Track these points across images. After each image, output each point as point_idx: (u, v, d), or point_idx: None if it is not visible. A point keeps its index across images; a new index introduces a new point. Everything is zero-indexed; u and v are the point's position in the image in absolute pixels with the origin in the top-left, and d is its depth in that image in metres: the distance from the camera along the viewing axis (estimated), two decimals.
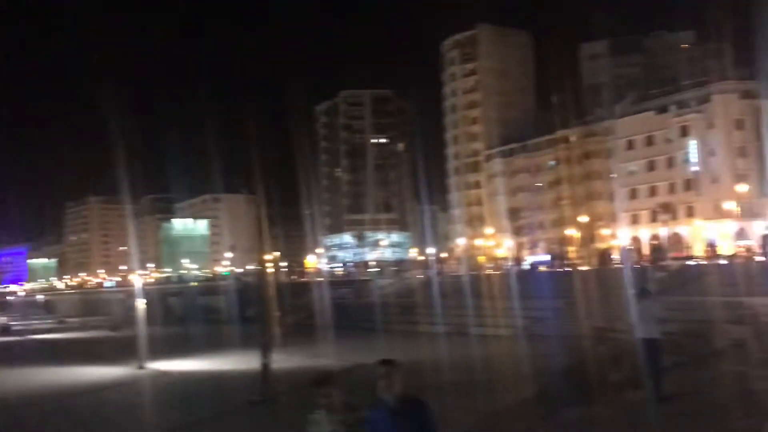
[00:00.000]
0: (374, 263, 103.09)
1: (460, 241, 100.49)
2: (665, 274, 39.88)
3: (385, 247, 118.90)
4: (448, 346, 31.07)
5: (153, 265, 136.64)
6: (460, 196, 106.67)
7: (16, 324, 66.87)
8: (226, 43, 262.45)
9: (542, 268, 65.45)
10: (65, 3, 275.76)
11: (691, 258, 54.63)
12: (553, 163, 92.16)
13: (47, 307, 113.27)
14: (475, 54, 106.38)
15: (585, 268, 57.22)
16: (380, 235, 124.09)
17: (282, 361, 24.94)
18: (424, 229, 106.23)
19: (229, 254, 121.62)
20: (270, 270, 40.85)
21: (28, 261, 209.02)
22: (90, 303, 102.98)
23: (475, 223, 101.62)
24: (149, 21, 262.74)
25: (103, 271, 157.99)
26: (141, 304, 32.17)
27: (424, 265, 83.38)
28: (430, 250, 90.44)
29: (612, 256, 66.85)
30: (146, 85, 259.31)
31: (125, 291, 72.10)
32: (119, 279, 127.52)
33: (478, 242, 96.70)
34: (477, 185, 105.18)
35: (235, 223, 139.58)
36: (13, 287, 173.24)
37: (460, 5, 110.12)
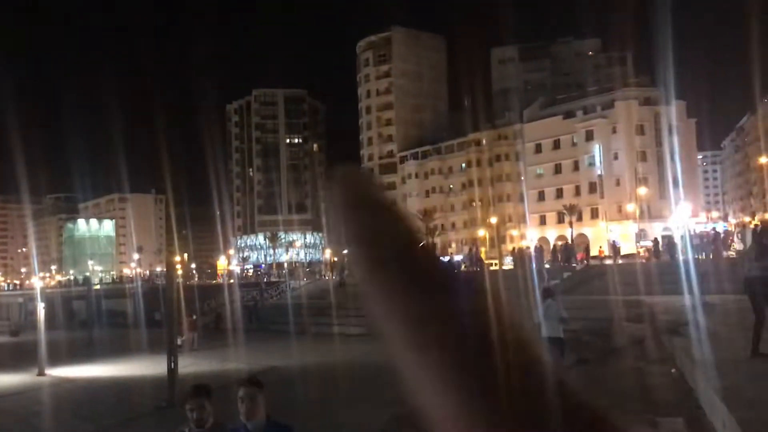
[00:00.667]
0: (287, 264, 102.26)
1: None
2: (570, 274, 41.26)
3: (298, 248, 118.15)
4: (361, 347, 31.14)
5: (55, 268, 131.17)
6: None
7: None
8: (138, 36, 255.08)
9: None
10: None
11: (594, 258, 56.70)
12: (464, 165, 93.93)
13: None
14: (389, 56, 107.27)
15: (500, 267, 58.48)
16: (294, 236, 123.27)
17: (190, 365, 24.45)
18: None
19: (135, 255, 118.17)
20: (178, 272, 39.98)
21: None
22: None
23: None
24: (56, 10, 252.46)
25: (1, 273, 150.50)
26: (41, 307, 30.79)
27: (339, 265, 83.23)
28: (345, 251, 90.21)
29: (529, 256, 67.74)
30: (49, 76, 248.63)
31: (25, 294, 68.86)
32: (18, 282, 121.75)
33: None
34: (392, 186, 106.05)
35: (142, 223, 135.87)
36: None
37: (375, 7, 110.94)
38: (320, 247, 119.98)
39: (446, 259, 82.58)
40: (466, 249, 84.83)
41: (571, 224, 75.17)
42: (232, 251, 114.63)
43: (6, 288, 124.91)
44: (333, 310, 44.44)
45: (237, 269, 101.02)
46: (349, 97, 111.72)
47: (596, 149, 78.01)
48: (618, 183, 76.73)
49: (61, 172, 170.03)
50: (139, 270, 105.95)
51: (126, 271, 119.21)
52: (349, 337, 36.31)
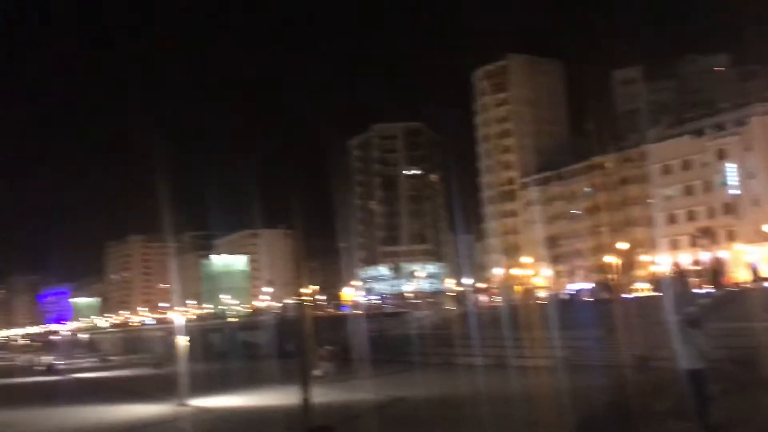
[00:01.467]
0: (411, 295, 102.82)
1: (497, 271, 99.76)
2: (708, 300, 39.07)
3: (421, 278, 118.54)
4: (486, 379, 30.76)
5: (194, 302, 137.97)
6: (495, 225, 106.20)
7: (60, 363, 67.94)
8: (268, 78, 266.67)
9: (587, 297, 63.75)
10: (100, 49, 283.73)
11: (736, 283, 53.43)
12: (588, 190, 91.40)
13: (90, 346, 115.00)
14: (506, 84, 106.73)
15: (638, 294, 56.14)
16: (416, 267, 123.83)
17: (321, 395, 24.95)
18: (459, 259, 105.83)
19: (268, 289, 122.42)
20: (308, 304, 41.09)
21: (72, 300, 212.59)
22: (132, 341, 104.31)
23: (511, 252, 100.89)
24: (190, 60, 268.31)
25: (146, 309, 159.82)
26: (182, 340, 32.45)
27: (461, 295, 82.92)
28: (467, 281, 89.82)
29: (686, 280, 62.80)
30: (183, 123, 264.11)
31: (166, 328, 72.87)
32: (160, 316, 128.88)
33: (515, 271, 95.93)
34: (513, 214, 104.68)
35: (273, 257, 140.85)
36: (57, 327, 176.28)
37: (490, 36, 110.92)
38: (441, 277, 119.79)
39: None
40: (593, 276, 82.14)
41: (705, 247, 71.32)
42: (356, 282, 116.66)
43: (148, 323, 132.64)
44: (457, 341, 44.16)
45: (361, 300, 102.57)
46: (465, 126, 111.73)
47: (730, 168, 73.85)
48: (755, 203, 72.18)
49: (198, 211, 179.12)
50: (270, 303, 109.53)
51: (258, 304, 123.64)
52: (474, 368, 35.94)
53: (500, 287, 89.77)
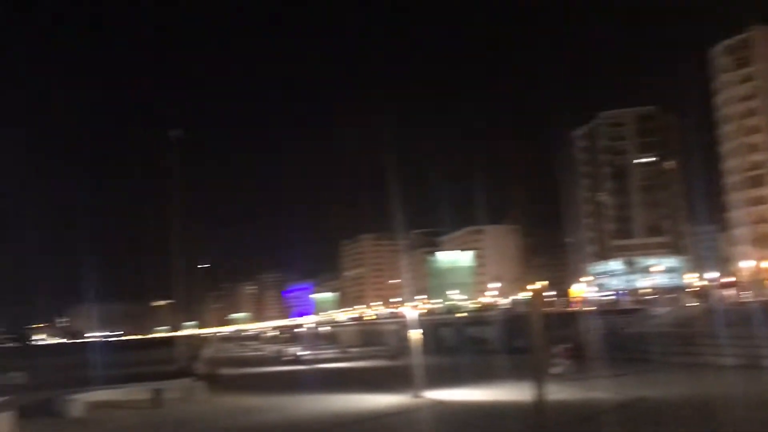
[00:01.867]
0: (647, 290, 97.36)
1: (745, 264, 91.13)
2: None
3: (658, 272, 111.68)
4: (737, 380, 28.27)
5: (422, 297, 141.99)
6: (742, 214, 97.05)
7: (305, 354, 73.19)
8: (485, 73, 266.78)
9: None
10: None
11: None
12: None
13: (331, 338, 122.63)
14: (751, 58, 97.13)
15: None
16: (652, 261, 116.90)
17: (557, 393, 24.41)
18: (701, 252, 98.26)
19: (494, 284, 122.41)
20: (538, 300, 40.47)
21: (313, 295, 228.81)
22: (368, 334, 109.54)
23: (762, 243, 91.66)
24: (422, 63, 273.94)
25: (380, 303, 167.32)
26: (415, 334, 33.39)
27: (704, 291, 76.98)
28: (710, 275, 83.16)
29: None
30: (411, 124, 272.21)
31: (399, 322, 75.60)
32: (393, 310, 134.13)
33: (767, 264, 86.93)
34: (762, 201, 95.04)
35: (499, 253, 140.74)
36: (300, 320, 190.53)
37: (729, 7, 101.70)
38: (681, 271, 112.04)
39: None
40: None
41: None
42: (587, 278, 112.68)
43: (383, 317, 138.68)
44: (702, 339, 41.20)
45: (593, 296, 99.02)
46: (702, 108, 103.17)
47: None
48: None
49: (423, 209, 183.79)
50: (497, 298, 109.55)
51: (485, 300, 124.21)
52: (723, 368, 33.33)
53: (750, 281, 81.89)
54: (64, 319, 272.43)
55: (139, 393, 32.53)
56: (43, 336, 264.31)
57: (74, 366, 63.08)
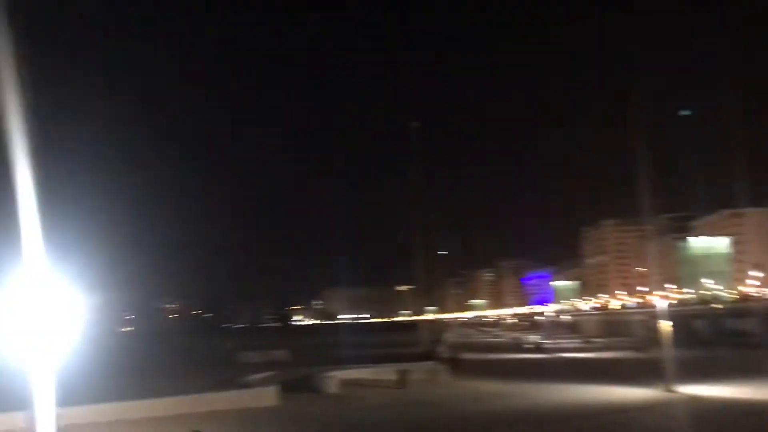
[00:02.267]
0: None
1: None
2: None
3: None
4: None
5: (672, 286, 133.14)
6: None
7: (546, 342, 72.14)
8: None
9: None
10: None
11: None
12: None
13: (573, 327, 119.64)
14: None
15: None
16: None
17: None
18: None
19: (754, 273, 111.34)
20: None
21: (552, 283, 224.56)
22: (612, 324, 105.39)
23: None
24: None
25: (625, 292, 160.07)
26: (665, 325, 31.37)
27: None
28: None
29: None
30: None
31: (647, 312, 71.61)
32: (640, 300, 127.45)
33: None
34: None
35: (761, 239, 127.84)
36: (540, 308, 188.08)
37: None
38: None
39: None
40: None
41: None
42: None
43: (629, 307, 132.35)
44: None
45: None
46: None
47: None
48: None
49: (673, 192, 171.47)
50: (761, 288, 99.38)
51: (746, 290, 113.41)
52: None
53: None
54: (319, 302, 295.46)
55: (386, 373, 34.19)
56: (301, 317, 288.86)
57: (328, 345, 68.20)
